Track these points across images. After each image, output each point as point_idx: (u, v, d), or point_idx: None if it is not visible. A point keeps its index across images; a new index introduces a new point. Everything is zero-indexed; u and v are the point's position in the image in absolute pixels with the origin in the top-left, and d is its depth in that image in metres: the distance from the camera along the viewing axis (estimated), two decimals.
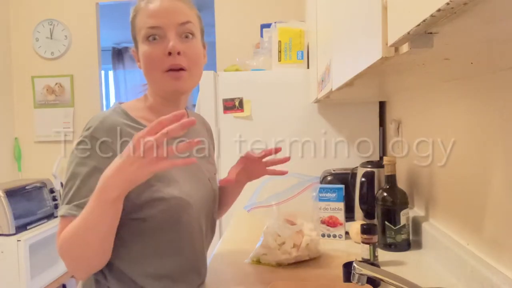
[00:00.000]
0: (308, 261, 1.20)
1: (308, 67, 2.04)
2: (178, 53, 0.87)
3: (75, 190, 0.83)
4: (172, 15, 0.88)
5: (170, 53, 0.86)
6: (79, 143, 0.86)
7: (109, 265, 0.87)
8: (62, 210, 0.83)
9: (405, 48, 0.50)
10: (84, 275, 0.88)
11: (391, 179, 1.32)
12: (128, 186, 0.74)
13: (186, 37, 0.90)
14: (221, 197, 1.15)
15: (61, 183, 3.01)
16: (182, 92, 0.94)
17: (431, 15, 0.37)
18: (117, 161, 0.73)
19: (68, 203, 0.83)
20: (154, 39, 0.88)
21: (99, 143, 0.84)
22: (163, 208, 0.86)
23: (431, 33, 0.45)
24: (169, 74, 0.88)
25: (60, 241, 0.81)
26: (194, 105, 2.20)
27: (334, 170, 1.76)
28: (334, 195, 1.42)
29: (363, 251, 1.15)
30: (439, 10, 0.35)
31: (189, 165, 0.85)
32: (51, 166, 3.00)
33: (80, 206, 0.80)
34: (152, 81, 0.93)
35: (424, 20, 0.39)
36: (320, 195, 1.42)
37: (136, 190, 0.83)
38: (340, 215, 1.42)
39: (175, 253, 0.92)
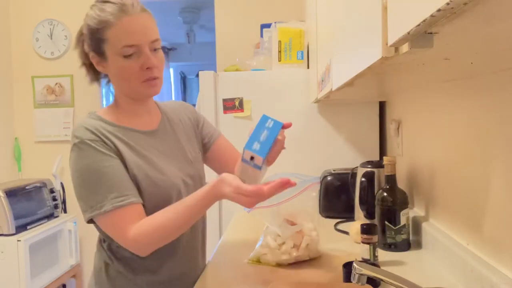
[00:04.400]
0: (308, 261, 1.20)
1: (308, 67, 2.04)
2: (155, 67, 1.00)
3: (103, 187, 0.94)
4: (145, 34, 0.97)
5: (148, 68, 0.98)
6: (74, 150, 0.96)
7: (114, 250, 1.03)
8: (108, 205, 0.93)
9: (405, 48, 0.50)
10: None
11: (391, 179, 1.32)
12: None
13: (155, 50, 1.01)
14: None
15: (61, 183, 3.01)
16: (155, 95, 1.07)
17: (431, 15, 0.37)
18: (234, 194, 0.90)
19: (104, 200, 0.93)
20: (131, 55, 0.97)
21: (91, 143, 0.95)
22: (157, 190, 1.01)
23: (431, 33, 0.45)
24: (147, 83, 1.01)
25: (145, 228, 0.93)
26: (194, 105, 2.20)
27: (334, 170, 1.76)
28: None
29: (363, 251, 1.15)
30: (439, 10, 0.35)
31: (177, 152, 1.10)
32: (51, 166, 3.00)
33: (122, 194, 0.94)
34: (128, 89, 1.03)
35: (424, 20, 0.39)
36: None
37: (138, 179, 0.99)
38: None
39: None
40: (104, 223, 0.96)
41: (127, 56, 0.96)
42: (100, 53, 1.00)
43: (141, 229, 0.94)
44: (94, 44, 0.99)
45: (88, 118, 1.02)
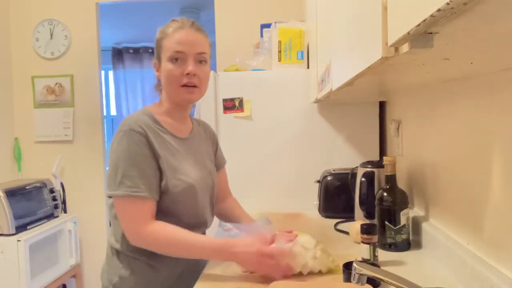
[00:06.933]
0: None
1: (308, 67, 2.04)
2: (194, 75, 1.14)
3: (124, 173, 1.06)
4: (193, 45, 1.14)
5: (187, 74, 1.13)
6: (121, 137, 1.08)
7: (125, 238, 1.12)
8: (121, 191, 1.06)
9: (405, 48, 0.50)
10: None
11: (391, 179, 1.32)
12: None
13: (200, 62, 1.17)
14: (229, 218, 1.43)
15: (61, 183, 3.01)
16: (192, 102, 1.23)
17: (431, 15, 0.37)
18: (253, 257, 1.06)
19: (120, 184, 1.06)
20: (176, 60, 1.13)
21: (135, 135, 1.08)
22: (183, 188, 1.15)
23: (431, 33, 0.45)
24: (184, 88, 1.15)
25: (163, 235, 1.07)
26: (194, 105, 2.20)
27: (334, 170, 1.76)
28: None
29: (363, 251, 1.15)
30: (439, 10, 0.35)
31: (198, 160, 1.24)
32: (51, 166, 3.00)
33: (137, 186, 1.06)
34: (170, 92, 1.18)
35: (424, 20, 0.39)
36: None
37: (167, 178, 1.12)
38: None
39: (189, 213, 1.18)
40: (117, 206, 1.10)
41: (173, 61, 1.13)
42: (158, 60, 1.18)
43: (160, 234, 1.07)
44: (156, 52, 1.18)
45: (141, 113, 1.16)
